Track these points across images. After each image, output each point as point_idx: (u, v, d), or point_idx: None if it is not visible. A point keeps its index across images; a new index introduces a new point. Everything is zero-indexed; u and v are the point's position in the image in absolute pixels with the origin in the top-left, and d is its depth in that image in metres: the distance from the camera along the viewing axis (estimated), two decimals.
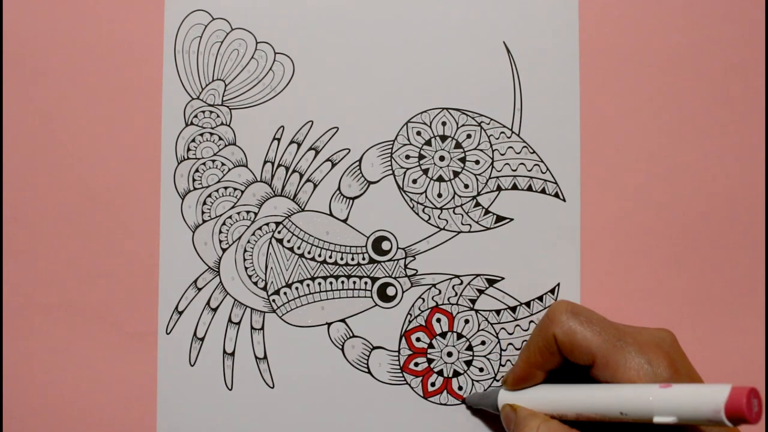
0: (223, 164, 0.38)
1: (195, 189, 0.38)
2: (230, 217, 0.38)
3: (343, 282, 0.37)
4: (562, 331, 0.31)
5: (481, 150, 0.38)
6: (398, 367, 0.37)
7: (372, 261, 0.37)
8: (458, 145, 0.38)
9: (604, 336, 0.31)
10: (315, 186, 0.38)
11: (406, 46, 0.38)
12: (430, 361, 0.37)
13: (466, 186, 0.37)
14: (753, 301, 0.38)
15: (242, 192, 0.38)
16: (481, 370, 0.37)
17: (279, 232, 0.38)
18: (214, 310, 0.38)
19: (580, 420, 0.31)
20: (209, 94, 0.38)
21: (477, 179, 0.37)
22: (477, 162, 0.38)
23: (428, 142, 0.38)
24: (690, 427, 0.29)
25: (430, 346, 0.37)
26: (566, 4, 0.38)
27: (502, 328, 0.37)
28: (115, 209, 0.38)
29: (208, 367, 0.37)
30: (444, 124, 0.38)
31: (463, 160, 0.38)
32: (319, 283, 0.37)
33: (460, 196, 0.37)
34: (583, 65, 0.38)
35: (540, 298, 0.37)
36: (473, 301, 0.37)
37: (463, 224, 0.37)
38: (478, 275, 0.37)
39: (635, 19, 0.38)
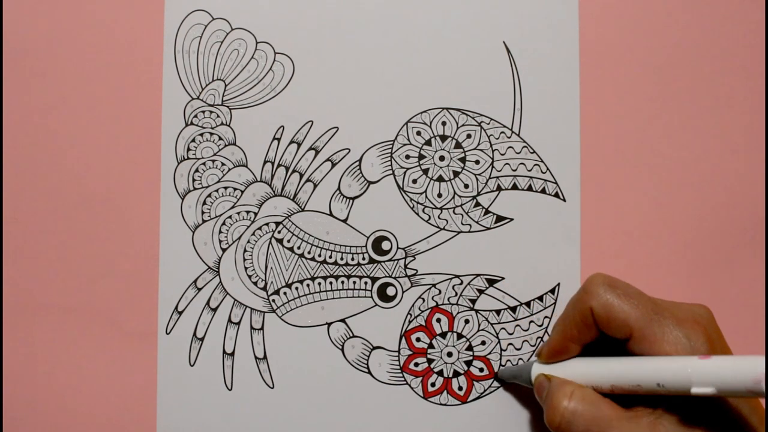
0: (223, 164, 0.38)
1: (195, 189, 0.38)
2: (230, 217, 0.38)
3: (343, 282, 0.37)
4: (599, 304, 0.31)
5: (481, 150, 0.38)
6: (398, 367, 0.37)
7: (372, 261, 0.37)
8: (458, 145, 0.38)
9: (642, 309, 0.30)
10: (315, 186, 0.38)
11: (406, 46, 0.38)
12: (430, 361, 0.37)
13: (466, 186, 0.37)
14: (753, 301, 0.38)
15: (242, 192, 0.38)
16: (481, 370, 0.37)
17: (279, 232, 0.38)
18: (214, 310, 0.38)
19: (614, 392, 0.31)
20: (209, 94, 0.38)
21: (477, 179, 0.37)
22: (477, 162, 0.38)
23: (428, 142, 0.38)
24: (720, 402, 0.29)
25: (430, 346, 0.37)
26: (566, 4, 0.38)
27: (503, 328, 0.37)
28: (115, 209, 0.38)
29: (207, 367, 0.37)
30: (444, 124, 0.38)
31: (463, 160, 0.38)
32: (319, 283, 0.37)
33: (460, 196, 0.37)
34: (583, 65, 0.38)
35: (540, 298, 0.37)
36: (473, 301, 0.37)
37: (463, 224, 0.37)
38: (478, 275, 0.37)
39: (635, 19, 0.38)
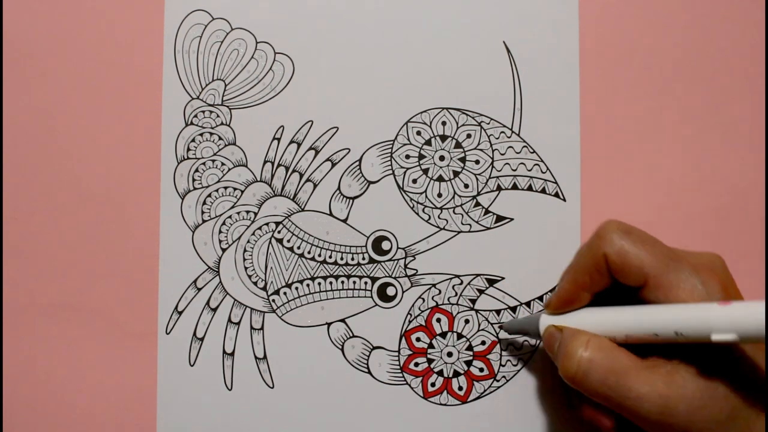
0: (223, 164, 0.38)
1: (195, 189, 0.38)
2: (230, 216, 0.38)
3: (343, 282, 0.37)
4: (614, 251, 0.30)
5: (481, 150, 0.38)
6: (398, 367, 0.37)
7: (372, 261, 0.37)
8: (458, 145, 0.38)
9: (657, 256, 0.30)
10: (315, 186, 0.38)
11: (406, 46, 0.38)
12: (430, 361, 0.37)
13: (466, 186, 0.37)
14: (753, 300, 0.38)
15: (242, 192, 0.38)
16: (481, 370, 0.37)
17: (279, 232, 0.38)
18: (214, 310, 0.38)
19: (628, 342, 0.30)
20: (209, 94, 0.38)
21: (477, 179, 0.37)
22: (477, 162, 0.38)
23: (428, 142, 0.38)
24: (736, 352, 0.28)
25: (430, 346, 0.37)
26: (566, 4, 0.38)
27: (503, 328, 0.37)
28: (115, 209, 0.38)
29: (207, 367, 0.37)
30: (444, 123, 0.38)
31: (463, 159, 0.38)
32: (319, 283, 0.37)
33: (460, 196, 0.37)
34: (583, 65, 0.38)
35: (540, 298, 0.37)
36: (473, 301, 0.37)
37: (463, 224, 0.37)
38: (478, 275, 0.37)
39: (635, 19, 0.38)
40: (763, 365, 0.28)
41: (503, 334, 0.37)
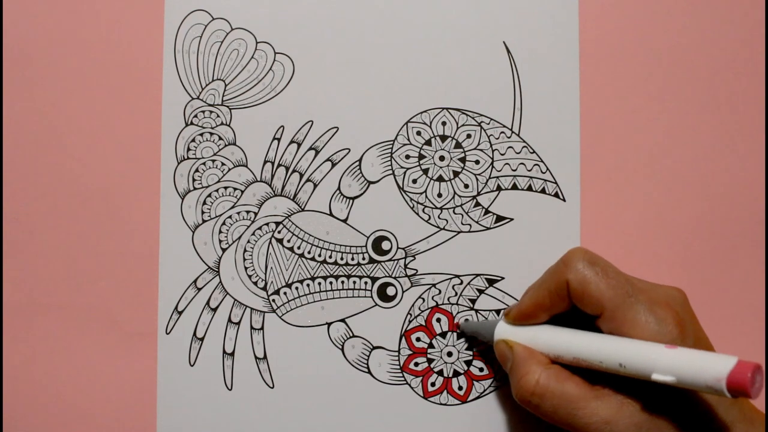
0: (223, 164, 0.38)
1: (195, 189, 0.38)
2: (230, 216, 0.38)
3: (343, 282, 0.37)
4: (576, 279, 0.31)
5: (481, 150, 0.38)
6: (398, 367, 0.37)
7: (372, 261, 0.37)
8: (458, 145, 0.38)
9: (617, 290, 0.31)
10: (315, 186, 0.38)
11: (406, 46, 0.38)
12: (430, 361, 0.37)
13: (466, 186, 0.37)
14: (753, 301, 0.38)
15: (242, 192, 0.38)
16: (481, 370, 0.37)
17: (279, 232, 0.38)
18: (214, 310, 0.38)
19: (577, 365, 0.31)
20: (209, 94, 0.38)
21: (477, 179, 0.37)
22: (477, 162, 0.38)
23: (428, 142, 0.38)
24: (684, 394, 0.29)
25: (430, 346, 0.37)
26: (566, 4, 0.38)
27: None
28: (115, 209, 0.38)
29: (207, 367, 0.37)
30: (444, 124, 0.38)
31: (463, 160, 0.38)
32: (319, 283, 0.37)
33: (460, 196, 0.37)
34: (583, 65, 0.38)
35: None
36: (473, 301, 0.37)
37: (463, 224, 0.37)
38: (478, 275, 0.37)
39: (635, 19, 0.38)
40: (711, 407, 0.29)
41: (460, 331, 0.37)
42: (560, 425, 0.31)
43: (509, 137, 0.38)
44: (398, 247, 0.37)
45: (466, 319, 0.37)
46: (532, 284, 0.34)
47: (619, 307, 0.30)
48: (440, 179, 0.38)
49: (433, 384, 0.37)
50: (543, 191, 0.37)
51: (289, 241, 0.38)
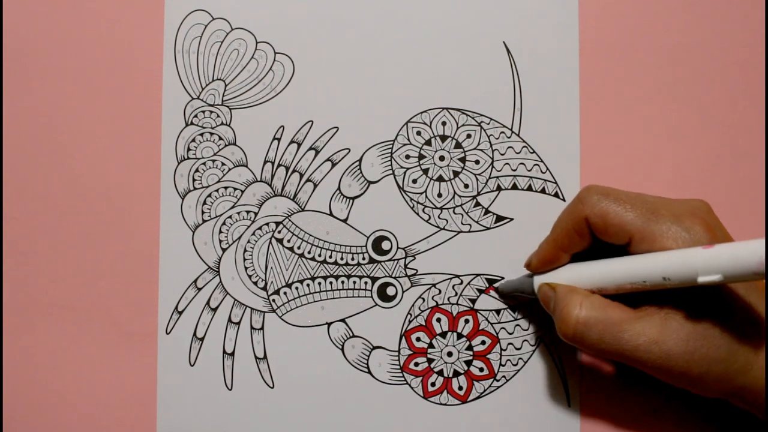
0: (223, 164, 0.38)
1: (195, 189, 0.38)
2: (230, 216, 0.38)
3: (343, 282, 0.37)
4: (594, 213, 0.31)
5: (481, 150, 0.38)
6: (398, 367, 0.37)
7: (372, 261, 0.37)
8: (458, 145, 0.38)
9: (637, 212, 0.31)
10: (315, 186, 0.38)
11: (406, 46, 0.38)
12: (430, 361, 0.37)
13: (466, 186, 0.37)
14: None
15: (242, 192, 0.38)
16: (481, 370, 0.37)
17: (279, 232, 0.38)
18: (214, 310, 0.38)
19: (619, 292, 0.31)
20: (209, 94, 0.38)
21: (477, 179, 0.37)
22: (477, 162, 0.38)
23: (428, 142, 0.38)
24: (724, 292, 0.29)
25: (430, 345, 0.37)
26: (566, 4, 0.38)
27: (502, 328, 0.37)
28: (115, 209, 0.38)
29: (208, 367, 0.37)
30: (444, 123, 0.38)
31: (463, 159, 0.38)
32: (319, 283, 0.37)
33: (460, 196, 0.37)
34: (583, 65, 0.38)
35: None
36: (473, 301, 0.37)
37: (463, 224, 0.37)
38: (478, 275, 0.37)
39: (635, 19, 0.38)
40: (757, 304, 0.29)
41: (500, 293, 0.37)
42: (607, 354, 0.31)
43: (509, 137, 0.38)
44: (398, 247, 0.37)
45: (502, 283, 0.37)
46: (550, 231, 0.34)
47: (645, 227, 0.30)
48: (440, 179, 0.38)
49: (433, 384, 0.37)
50: (543, 191, 0.37)
51: (289, 241, 0.38)
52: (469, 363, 0.37)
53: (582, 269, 0.33)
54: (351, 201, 0.38)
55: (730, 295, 0.29)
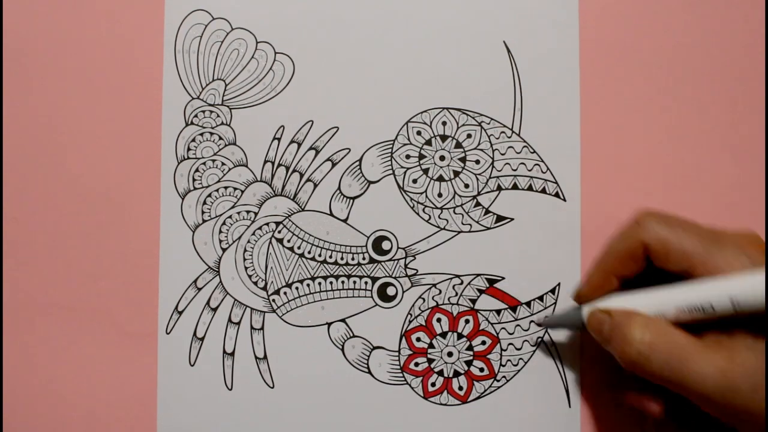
0: (223, 164, 0.38)
1: (195, 189, 0.38)
2: (230, 216, 0.38)
3: (343, 282, 0.37)
4: (654, 238, 0.30)
5: (482, 150, 0.38)
6: (398, 367, 0.37)
7: (372, 261, 0.37)
8: (458, 145, 0.38)
9: (700, 239, 0.30)
10: (315, 186, 0.38)
11: (406, 46, 0.38)
12: (430, 361, 0.37)
13: (467, 186, 0.37)
14: None
15: (242, 192, 0.38)
16: (481, 370, 0.37)
17: (279, 232, 0.38)
18: (214, 310, 0.38)
19: (679, 321, 0.30)
20: (209, 94, 0.38)
21: (477, 179, 0.37)
22: (477, 162, 0.38)
23: (428, 142, 0.38)
24: None
25: (431, 346, 0.37)
26: (566, 4, 0.38)
27: (503, 328, 0.37)
28: (115, 209, 0.38)
29: (208, 367, 0.37)
30: (444, 123, 0.38)
31: (463, 159, 0.38)
32: (319, 283, 0.37)
33: (460, 196, 0.37)
34: (583, 65, 0.38)
35: (540, 298, 0.37)
36: (473, 301, 0.37)
37: (463, 224, 0.37)
38: (478, 275, 0.37)
39: (635, 18, 0.38)
40: None
41: (542, 326, 0.37)
42: (669, 383, 0.28)
43: (509, 137, 0.38)
44: (398, 247, 0.37)
45: (546, 317, 0.36)
46: (599, 256, 0.33)
47: (708, 254, 0.29)
48: (440, 179, 0.38)
49: (433, 384, 0.37)
50: (543, 191, 0.37)
51: (289, 241, 0.38)
52: (469, 363, 0.37)
53: (637, 295, 0.31)
54: (351, 201, 0.38)
55: None
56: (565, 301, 0.37)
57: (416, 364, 0.37)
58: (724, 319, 0.29)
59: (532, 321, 0.37)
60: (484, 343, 0.37)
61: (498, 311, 0.37)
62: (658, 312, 0.30)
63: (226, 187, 0.38)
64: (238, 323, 0.37)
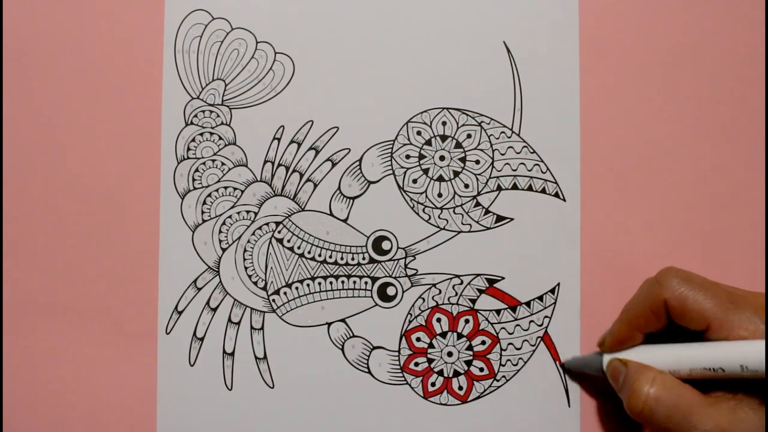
0: (223, 164, 0.38)
1: (195, 189, 0.38)
2: (230, 216, 0.38)
3: (343, 282, 0.37)
4: (674, 297, 0.31)
5: (482, 150, 0.38)
6: (398, 367, 0.37)
7: (372, 261, 0.37)
8: (458, 145, 0.38)
9: (717, 300, 0.31)
10: (315, 186, 0.38)
11: (406, 46, 0.38)
12: (430, 361, 0.37)
13: (467, 186, 0.37)
14: None
15: (242, 192, 0.38)
16: (481, 370, 0.37)
17: (279, 232, 0.38)
18: (214, 310, 0.38)
19: (691, 378, 0.31)
20: (209, 94, 0.38)
21: (477, 179, 0.37)
22: (477, 162, 0.38)
23: (428, 142, 0.38)
24: None
25: (431, 345, 0.37)
26: (566, 4, 0.38)
27: (503, 328, 0.37)
28: (115, 209, 0.38)
29: (208, 367, 0.37)
30: (444, 123, 0.38)
31: (463, 159, 0.38)
32: (319, 283, 0.37)
33: (460, 196, 0.37)
34: (583, 65, 0.38)
35: (540, 298, 0.37)
36: (473, 301, 0.37)
37: (463, 224, 0.37)
38: (478, 275, 0.37)
39: (635, 18, 0.38)
40: None
41: (565, 369, 0.37)
42: None
43: (509, 137, 0.38)
44: (398, 247, 0.37)
45: (572, 358, 0.37)
46: (623, 310, 0.34)
47: (724, 315, 0.30)
48: (440, 179, 0.38)
49: (433, 384, 0.37)
50: (543, 191, 0.37)
51: (289, 241, 0.38)
52: (469, 363, 0.37)
53: (656, 350, 0.33)
54: (351, 201, 0.38)
55: None
56: (565, 301, 0.37)
57: (416, 364, 0.37)
58: (735, 379, 0.30)
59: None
60: (483, 343, 0.37)
61: (498, 311, 0.37)
62: (673, 367, 0.32)
63: (225, 187, 0.38)
64: (238, 323, 0.37)
